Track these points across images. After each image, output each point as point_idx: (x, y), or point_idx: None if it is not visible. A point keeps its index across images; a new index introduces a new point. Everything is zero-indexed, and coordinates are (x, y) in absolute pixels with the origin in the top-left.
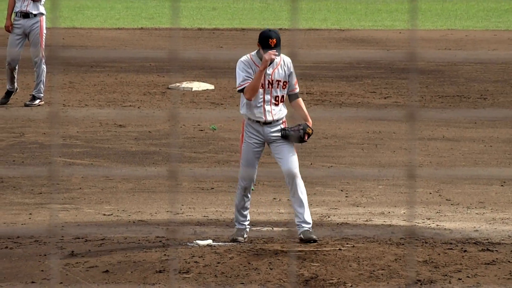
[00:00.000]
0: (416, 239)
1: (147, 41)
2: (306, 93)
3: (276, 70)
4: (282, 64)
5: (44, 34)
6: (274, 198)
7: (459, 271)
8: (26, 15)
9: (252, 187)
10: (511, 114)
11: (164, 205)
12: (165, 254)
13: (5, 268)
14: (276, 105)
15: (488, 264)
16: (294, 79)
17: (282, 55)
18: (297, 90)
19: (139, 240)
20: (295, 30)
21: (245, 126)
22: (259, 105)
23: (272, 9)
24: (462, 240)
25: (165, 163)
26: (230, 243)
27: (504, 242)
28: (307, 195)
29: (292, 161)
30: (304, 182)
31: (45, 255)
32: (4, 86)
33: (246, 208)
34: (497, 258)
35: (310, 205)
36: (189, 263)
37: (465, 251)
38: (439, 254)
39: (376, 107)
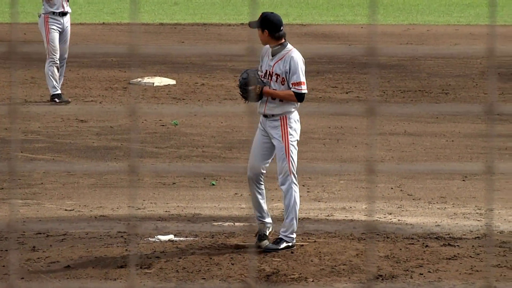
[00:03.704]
0: (378, 234)
1: (109, 36)
2: None
3: (277, 63)
4: (286, 58)
5: (47, 32)
6: (236, 193)
7: (421, 266)
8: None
9: (213, 182)
10: (473, 108)
11: (126, 200)
12: (126, 249)
13: None
14: (273, 99)
15: (449, 259)
16: (294, 79)
17: (294, 51)
18: (298, 91)
19: (100, 235)
20: None
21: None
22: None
23: (233, 4)
24: (424, 235)
25: (127, 158)
26: (192, 238)
27: (466, 237)
28: (268, 190)
29: (281, 166)
30: (266, 177)
31: (6, 250)
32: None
33: (261, 205)
34: (458, 253)
35: (271, 200)
36: (150, 258)
37: (426, 246)
38: (400, 249)
39: (338, 102)
